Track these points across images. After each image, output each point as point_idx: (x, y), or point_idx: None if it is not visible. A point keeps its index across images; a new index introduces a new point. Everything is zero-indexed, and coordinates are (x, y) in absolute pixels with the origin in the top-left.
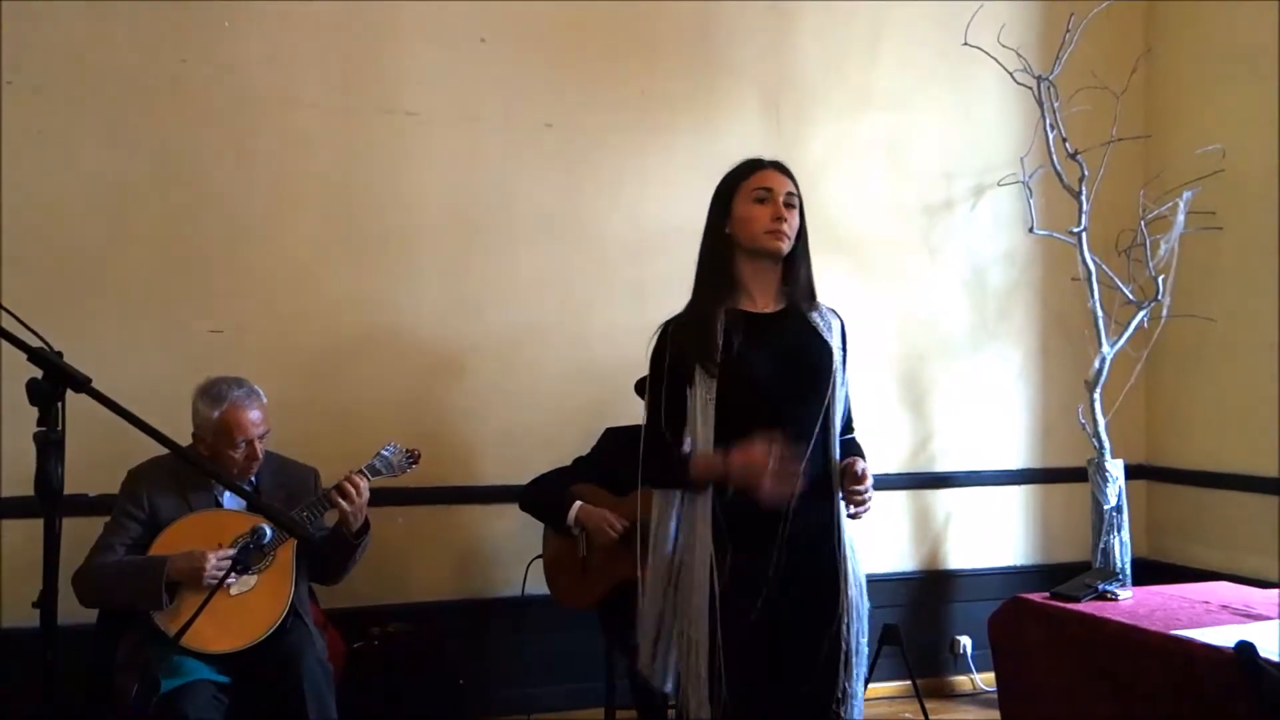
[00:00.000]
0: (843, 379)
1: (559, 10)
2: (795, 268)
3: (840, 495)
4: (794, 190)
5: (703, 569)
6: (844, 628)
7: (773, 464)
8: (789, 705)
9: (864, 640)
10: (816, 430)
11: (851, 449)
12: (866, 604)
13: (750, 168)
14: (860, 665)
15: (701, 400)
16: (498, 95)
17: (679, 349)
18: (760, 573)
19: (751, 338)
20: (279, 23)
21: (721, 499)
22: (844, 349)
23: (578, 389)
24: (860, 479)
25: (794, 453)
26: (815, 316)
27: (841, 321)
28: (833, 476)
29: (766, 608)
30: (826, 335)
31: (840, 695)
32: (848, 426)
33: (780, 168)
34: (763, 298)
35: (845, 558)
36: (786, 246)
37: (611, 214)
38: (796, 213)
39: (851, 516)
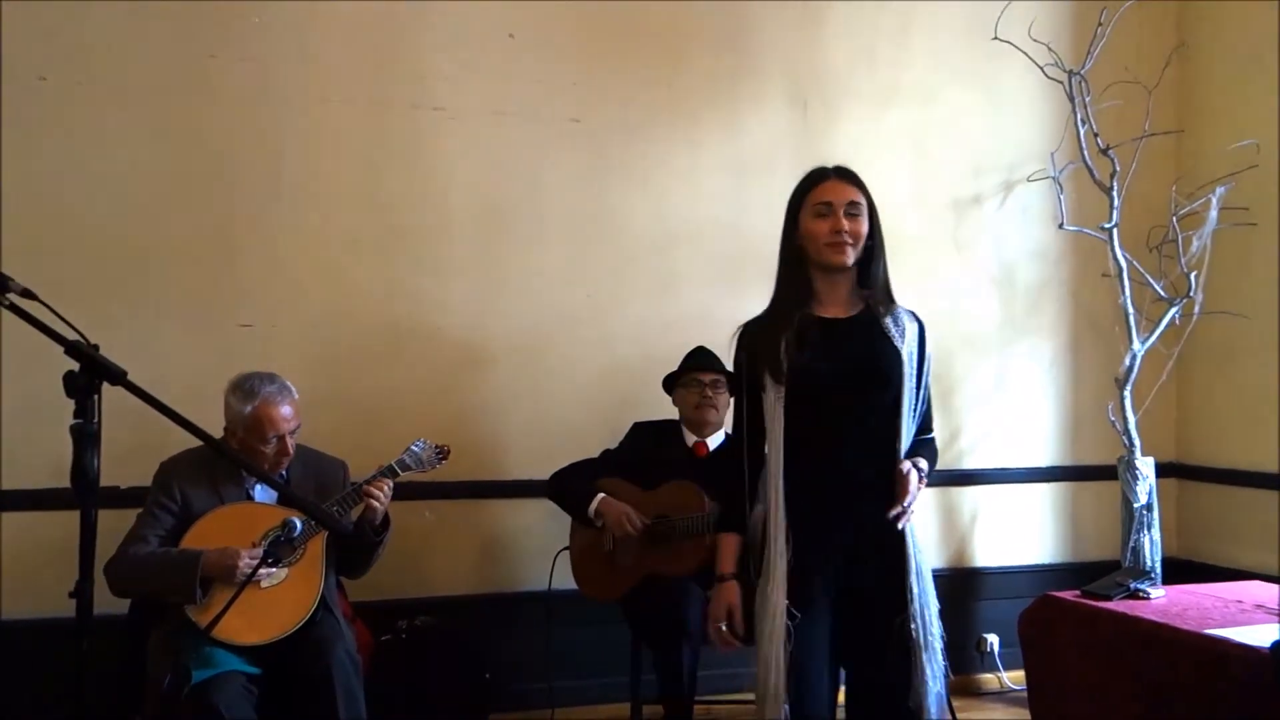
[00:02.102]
0: (915, 383)
1: (586, 6)
2: (870, 272)
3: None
4: (859, 198)
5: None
6: (910, 621)
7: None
8: (859, 699)
9: (933, 634)
10: (882, 430)
11: (920, 450)
12: (934, 602)
13: (813, 180)
14: (933, 660)
15: (772, 407)
16: (525, 90)
17: (752, 355)
18: (825, 571)
19: (823, 343)
20: (308, 19)
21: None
22: (921, 351)
23: (604, 383)
24: (904, 484)
25: (860, 452)
26: (889, 321)
27: (920, 324)
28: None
29: (833, 604)
30: (898, 340)
31: (912, 688)
32: (925, 427)
33: (843, 174)
34: (836, 303)
35: (911, 555)
36: (849, 258)
37: (638, 208)
38: (862, 220)
39: (891, 519)
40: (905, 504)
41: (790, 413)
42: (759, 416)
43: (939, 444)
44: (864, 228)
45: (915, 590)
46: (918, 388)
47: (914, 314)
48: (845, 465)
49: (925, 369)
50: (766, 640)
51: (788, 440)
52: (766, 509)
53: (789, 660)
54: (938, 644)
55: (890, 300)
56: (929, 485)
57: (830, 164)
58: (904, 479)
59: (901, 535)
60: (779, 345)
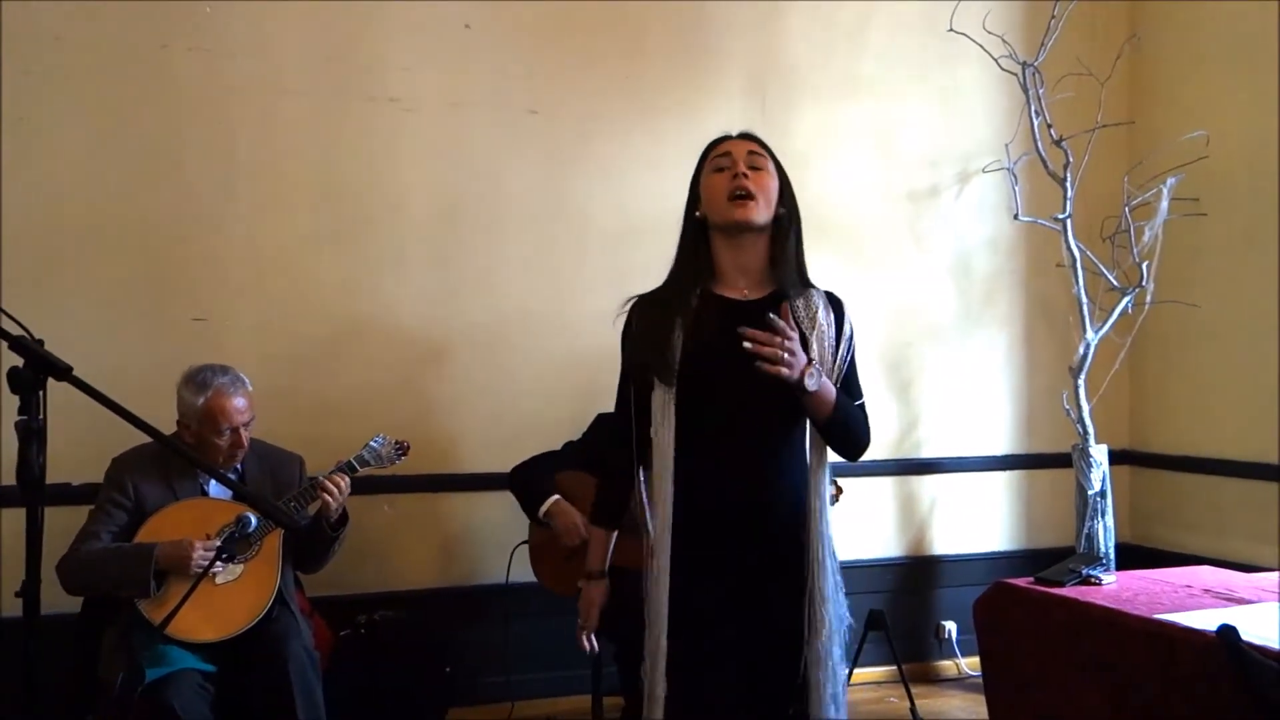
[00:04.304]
0: (831, 375)
1: None
2: (781, 245)
3: (816, 490)
4: (759, 150)
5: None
6: (806, 620)
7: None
8: (747, 695)
9: (835, 644)
10: (779, 427)
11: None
12: (844, 602)
13: (714, 144)
14: (833, 661)
15: (662, 399)
16: (482, 81)
17: (640, 340)
18: (721, 567)
19: (722, 331)
20: (262, 8)
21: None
22: (838, 336)
23: (564, 376)
24: (774, 330)
25: (756, 450)
26: (800, 304)
27: (839, 306)
28: (806, 474)
29: (729, 604)
30: (806, 329)
31: (803, 687)
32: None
33: (746, 135)
34: (743, 281)
35: (818, 545)
36: (755, 213)
37: (597, 200)
38: (768, 176)
39: (758, 360)
40: (776, 345)
41: (681, 407)
42: (645, 405)
43: (895, 434)
44: (771, 184)
45: (819, 588)
46: (834, 378)
47: (832, 295)
48: (741, 464)
49: (844, 355)
50: (652, 640)
51: (679, 433)
52: (648, 506)
53: (669, 661)
54: (839, 651)
55: (804, 282)
56: (885, 474)
57: (790, 155)
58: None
59: (804, 545)
60: (670, 336)
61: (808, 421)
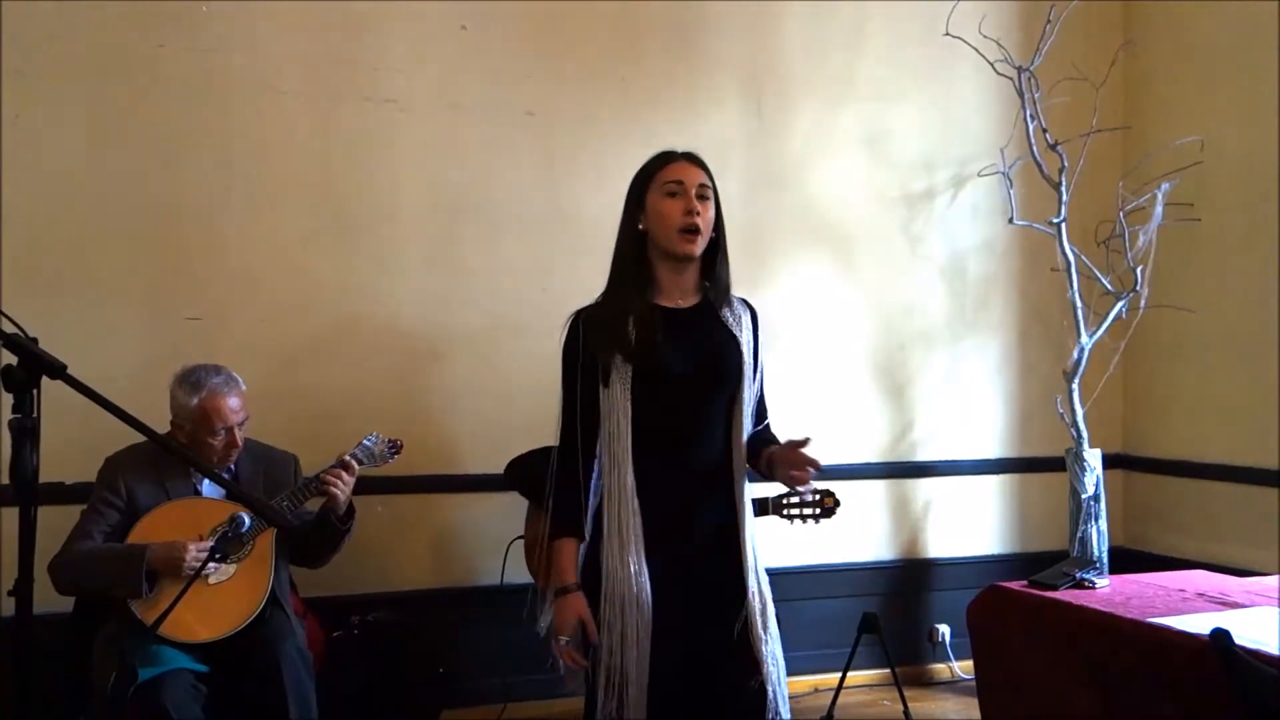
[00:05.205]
0: (753, 374)
1: None
2: (713, 265)
3: (744, 488)
4: (707, 182)
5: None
6: (750, 625)
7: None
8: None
9: (771, 639)
10: (720, 426)
11: (766, 437)
12: (770, 601)
13: (662, 160)
14: (773, 663)
15: (619, 394)
16: (478, 82)
17: (593, 342)
18: (665, 573)
19: (668, 334)
20: (259, 8)
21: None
22: (755, 340)
23: (558, 378)
24: (799, 451)
25: (700, 447)
26: (727, 312)
27: (753, 312)
28: (734, 472)
29: (671, 608)
30: (736, 331)
31: (757, 694)
32: (760, 416)
33: (693, 159)
34: (679, 293)
35: (748, 553)
36: (699, 247)
37: (592, 202)
38: (711, 205)
39: (792, 481)
40: (810, 466)
41: (638, 402)
42: (594, 409)
43: (888, 437)
44: (712, 215)
45: (753, 589)
46: (754, 380)
47: (746, 301)
48: (686, 461)
49: (759, 359)
50: (614, 638)
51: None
52: (605, 508)
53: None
54: (777, 650)
55: (728, 294)
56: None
57: (785, 158)
58: (797, 447)
59: (741, 536)
60: (627, 332)
61: (742, 419)
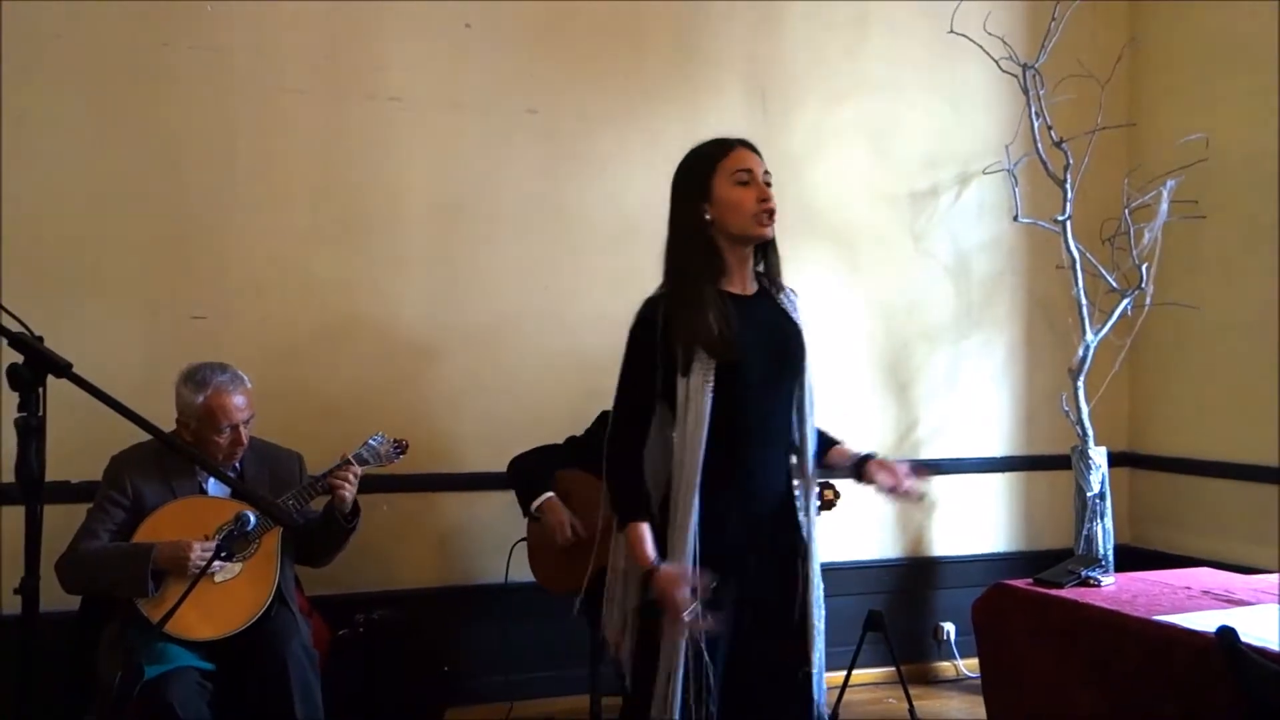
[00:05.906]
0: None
1: None
2: (770, 250)
3: (814, 485)
4: (768, 168)
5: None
6: (805, 603)
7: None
8: (758, 684)
9: (818, 634)
10: (789, 412)
11: (825, 437)
12: (820, 583)
13: (724, 147)
14: (819, 657)
15: (698, 384)
16: (482, 81)
17: (676, 332)
18: (733, 572)
19: (743, 324)
20: (262, 7)
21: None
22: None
23: (561, 376)
24: (893, 468)
25: (775, 434)
26: (783, 298)
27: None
28: (805, 457)
29: (734, 588)
30: (795, 316)
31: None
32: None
33: (752, 146)
34: (741, 281)
35: (808, 536)
36: (772, 231)
37: (595, 200)
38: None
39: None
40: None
41: (718, 392)
42: (653, 397)
43: (893, 435)
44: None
45: (811, 571)
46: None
47: (794, 290)
48: (758, 459)
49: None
50: (669, 642)
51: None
52: (670, 500)
53: (688, 664)
54: (821, 629)
55: (780, 277)
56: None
57: (788, 155)
58: (887, 463)
59: (801, 543)
60: (709, 322)
61: (810, 404)
